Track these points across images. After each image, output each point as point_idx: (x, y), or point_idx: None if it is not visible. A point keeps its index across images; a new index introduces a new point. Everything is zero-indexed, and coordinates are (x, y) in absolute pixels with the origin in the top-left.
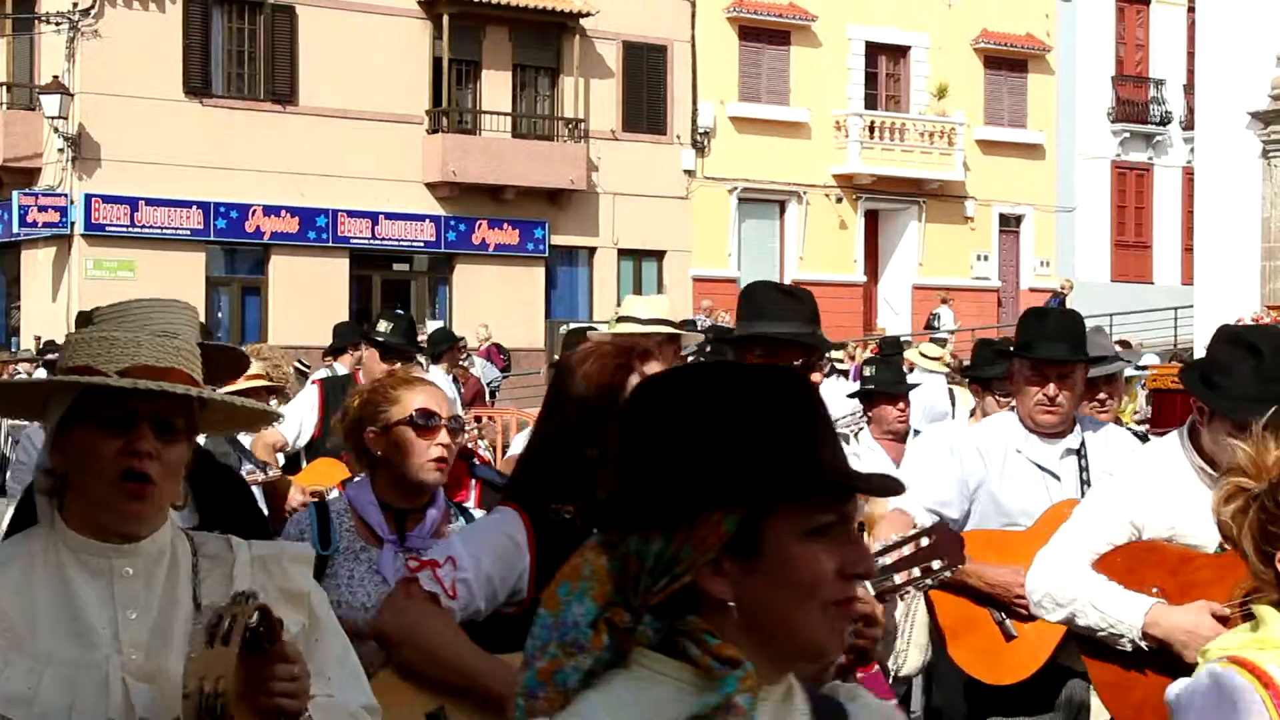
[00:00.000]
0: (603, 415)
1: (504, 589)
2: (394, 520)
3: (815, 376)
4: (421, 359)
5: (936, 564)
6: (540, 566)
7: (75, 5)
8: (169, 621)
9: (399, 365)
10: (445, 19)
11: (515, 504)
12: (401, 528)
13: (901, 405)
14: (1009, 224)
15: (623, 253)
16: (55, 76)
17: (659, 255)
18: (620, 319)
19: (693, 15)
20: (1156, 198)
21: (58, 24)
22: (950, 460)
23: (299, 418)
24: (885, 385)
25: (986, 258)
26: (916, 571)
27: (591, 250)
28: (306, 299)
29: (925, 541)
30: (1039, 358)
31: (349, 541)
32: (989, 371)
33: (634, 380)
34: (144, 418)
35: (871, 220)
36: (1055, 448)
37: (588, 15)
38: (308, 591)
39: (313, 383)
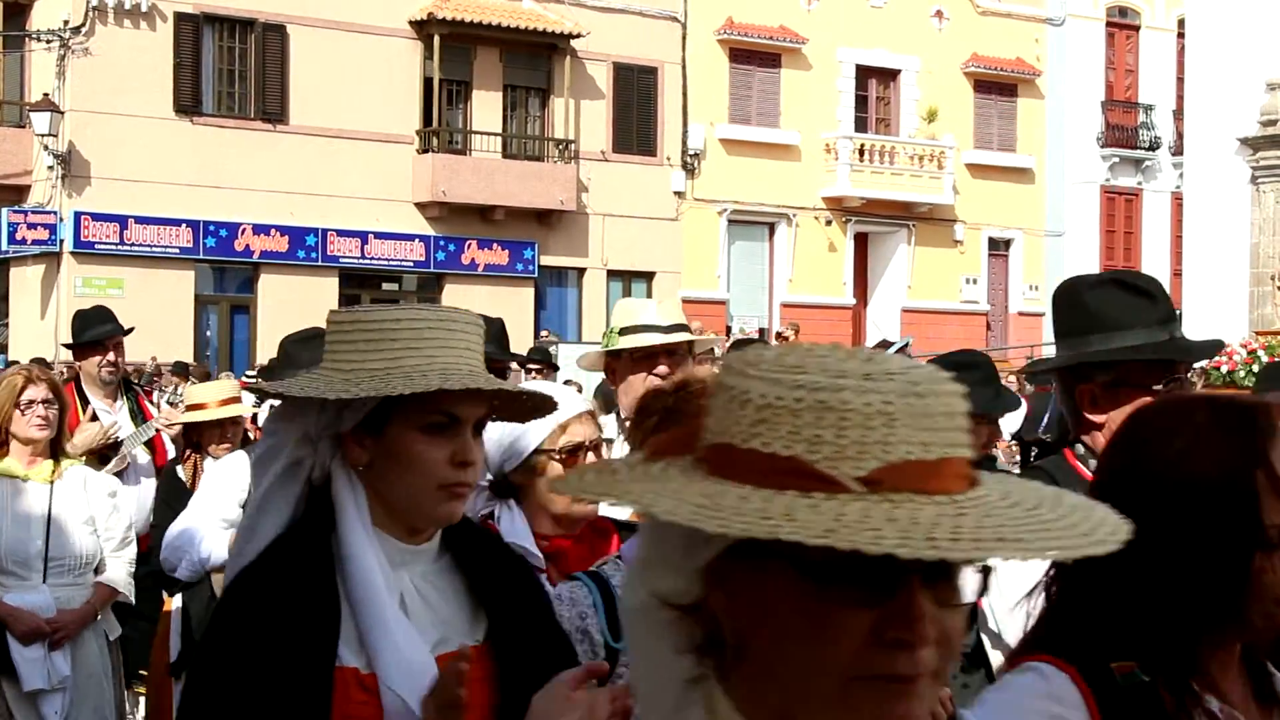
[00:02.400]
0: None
1: None
2: None
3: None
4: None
5: None
6: None
7: (66, 23)
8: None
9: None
10: (436, 39)
11: (1060, 660)
12: None
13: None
14: (998, 248)
15: (612, 274)
16: (45, 94)
17: (648, 276)
18: (631, 329)
19: (683, 37)
20: (1145, 223)
21: (48, 41)
22: None
23: None
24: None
25: (975, 281)
26: None
27: (581, 271)
28: (295, 318)
29: None
30: None
31: None
32: None
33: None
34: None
35: (861, 243)
36: None
37: (578, 36)
38: None
39: None
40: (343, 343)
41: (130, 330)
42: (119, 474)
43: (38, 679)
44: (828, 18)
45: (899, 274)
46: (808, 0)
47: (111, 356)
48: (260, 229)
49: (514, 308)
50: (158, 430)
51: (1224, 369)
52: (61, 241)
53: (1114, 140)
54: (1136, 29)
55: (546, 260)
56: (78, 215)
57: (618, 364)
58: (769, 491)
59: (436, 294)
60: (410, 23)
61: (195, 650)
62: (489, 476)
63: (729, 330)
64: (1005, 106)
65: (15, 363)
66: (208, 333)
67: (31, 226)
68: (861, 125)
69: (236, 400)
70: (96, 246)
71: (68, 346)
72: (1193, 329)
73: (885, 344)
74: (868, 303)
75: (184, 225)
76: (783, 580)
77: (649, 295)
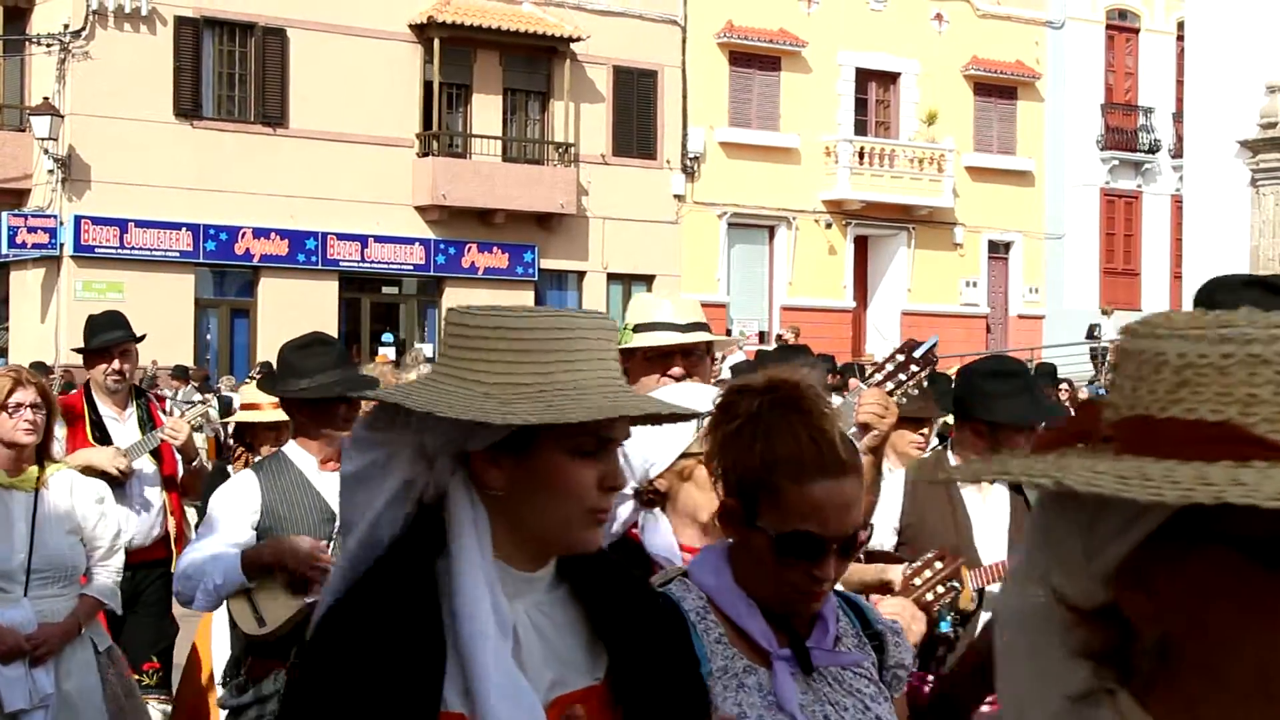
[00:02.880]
0: None
1: None
2: (776, 621)
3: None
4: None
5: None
6: None
7: (66, 27)
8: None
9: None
10: (436, 43)
11: None
12: (791, 632)
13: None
14: (998, 250)
15: (612, 277)
16: (45, 98)
17: (648, 280)
18: (647, 326)
19: (683, 40)
20: (1145, 225)
21: (48, 45)
22: None
23: None
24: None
25: (975, 284)
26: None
27: (581, 274)
28: (295, 321)
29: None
30: None
31: (725, 658)
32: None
33: None
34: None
35: (861, 246)
36: None
37: (578, 40)
38: None
39: None
40: (480, 350)
41: (141, 337)
42: (121, 485)
43: (19, 699)
44: (827, 21)
45: (899, 277)
46: (807, 3)
47: (118, 364)
48: (260, 232)
49: None
50: (163, 440)
51: None
52: (62, 245)
53: (1114, 143)
54: (1136, 32)
55: (546, 263)
56: (78, 219)
57: (630, 363)
58: (1199, 463)
59: (437, 297)
60: (410, 26)
61: (286, 693)
62: (633, 484)
63: (729, 333)
64: (1005, 109)
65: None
66: (208, 336)
67: (32, 230)
68: (861, 128)
69: None
70: (97, 250)
71: (77, 352)
72: None
73: (913, 343)
74: (868, 306)
75: (184, 229)
76: (1224, 568)
77: None
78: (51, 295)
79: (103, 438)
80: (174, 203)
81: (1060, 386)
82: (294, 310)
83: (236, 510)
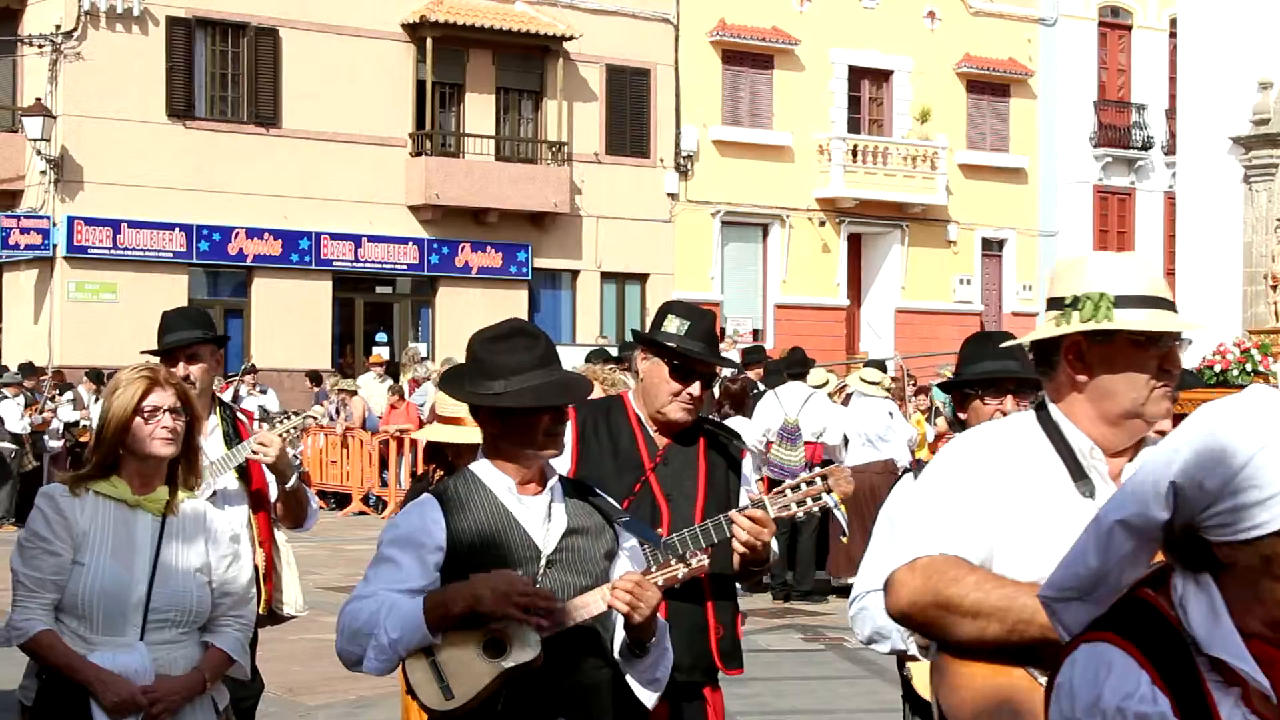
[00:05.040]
0: None
1: None
2: None
3: None
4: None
5: (826, 496)
6: None
7: (58, 27)
8: None
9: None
10: (429, 42)
11: None
12: None
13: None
14: (991, 248)
15: (606, 276)
16: (38, 99)
17: (642, 278)
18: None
19: (676, 39)
20: (1138, 222)
21: (40, 46)
22: None
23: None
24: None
25: (969, 281)
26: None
27: (575, 273)
28: (289, 322)
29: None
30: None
31: None
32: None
33: None
34: None
35: (854, 244)
36: None
37: (571, 39)
38: None
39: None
40: None
41: (222, 339)
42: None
43: None
44: (820, 19)
45: (892, 275)
46: (800, 1)
47: (183, 369)
48: (254, 233)
49: (507, 310)
50: (250, 456)
51: (1217, 368)
52: (55, 246)
53: (1107, 140)
54: (1128, 29)
55: (540, 263)
56: (70, 220)
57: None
58: None
59: (430, 297)
60: (403, 25)
61: None
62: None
63: (723, 332)
64: (998, 107)
65: (5, 369)
66: None
67: (24, 231)
68: (854, 126)
69: None
70: (90, 251)
71: (147, 354)
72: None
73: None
74: (861, 303)
75: (177, 229)
76: None
77: (642, 297)
78: (44, 296)
79: None
80: (167, 203)
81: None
82: (288, 311)
83: (414, 545)
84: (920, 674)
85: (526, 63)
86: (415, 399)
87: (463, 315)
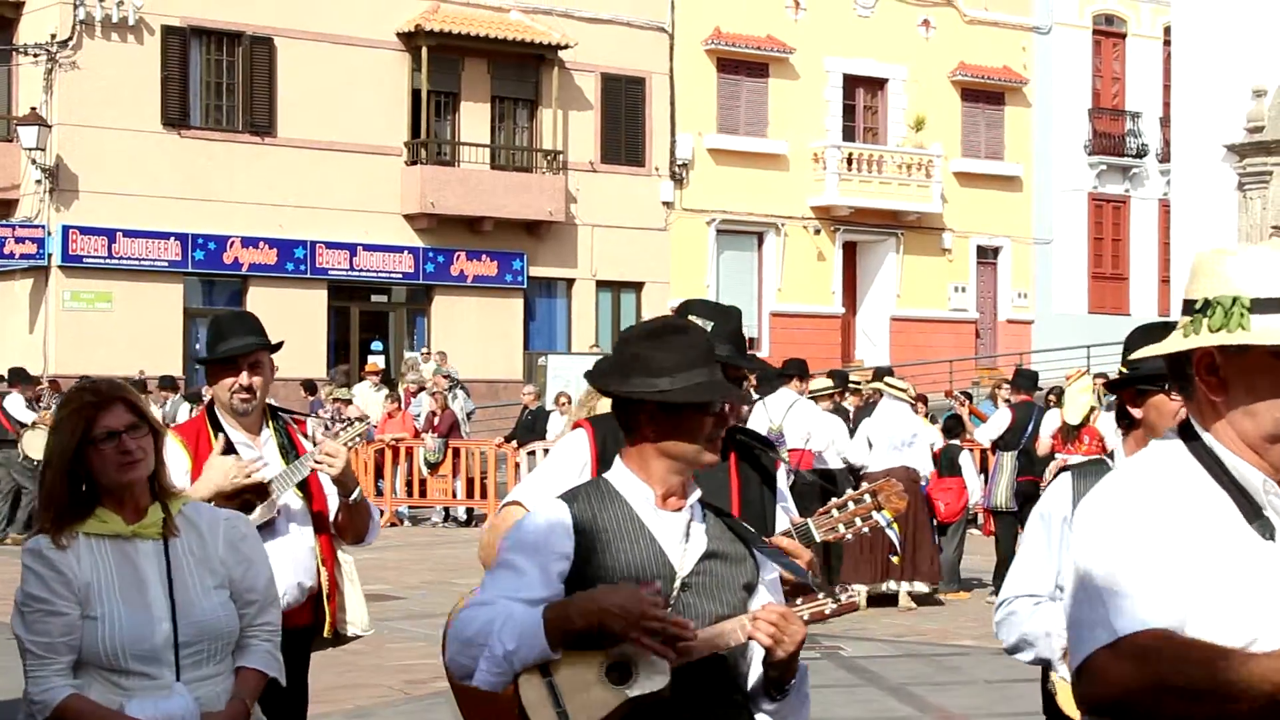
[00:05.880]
0: None
1: None
2: None
3: None
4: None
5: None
6: None
7: (53, 37)
8: None
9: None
10: (424, 51)
11: None
12: None
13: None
14: (986, 256)
15: (601, 284)
16: (33, 108)
17: (637, 287)
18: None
19: (671, 47)
20: (1133, 230)
21: (35, 55)
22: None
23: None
24: None
25: (964, 289)
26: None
27: (570, 282)
28: (284, 330)
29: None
30: None
31: None
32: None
33: None
34: None
35: (849, 252)
36: None
37: (566, 47)
38: None
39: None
40: None
41: (278, 346)
42: (268, 524)
43: None
44: (815, 27)
45: (887, 282)
46: (795, 10)
47: (245, 378)
48: (249, 242)
49: (503, 319)
50: (314, 468)
51: None
52: (49, 256)
53: (1101, 148)
54: (1123, 37)
55: (535, 271)
56: (65, 229)
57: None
58: None
59: (425, 305)
60: (398, 34)
61: None
62: None
63: None
64: (993, 115)
65: (1, 378)
66: (197, 346)
67: (19, 240)
68: (849, 134)
69: None
70: (85, 260)
71: (200, 363)
72: None
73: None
74: (856, 311)
75: (172, 238)
76: None
77: (638, 306)
78: (39, 306)
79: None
80: (162, 212)
81: (1048, 397)
82: (283, 319)
83: (538, 551)
84: (1066, 692)
85: (521, 71)
86: (412, 410)
87: (458, 324)
